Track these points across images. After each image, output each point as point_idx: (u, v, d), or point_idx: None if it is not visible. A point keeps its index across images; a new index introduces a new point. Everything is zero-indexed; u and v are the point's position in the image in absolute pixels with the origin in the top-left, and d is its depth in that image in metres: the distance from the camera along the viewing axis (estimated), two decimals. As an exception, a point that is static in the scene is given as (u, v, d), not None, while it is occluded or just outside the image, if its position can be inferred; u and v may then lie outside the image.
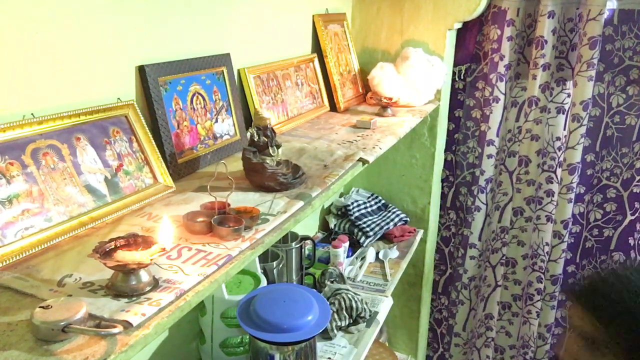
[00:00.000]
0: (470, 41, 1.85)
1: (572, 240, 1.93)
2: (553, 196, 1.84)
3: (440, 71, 1.69)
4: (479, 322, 2.14)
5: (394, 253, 1.80)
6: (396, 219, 1.90)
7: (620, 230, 1.85)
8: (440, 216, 2.11)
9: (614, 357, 0.76)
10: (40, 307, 0.52)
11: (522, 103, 1.85)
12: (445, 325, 2.26)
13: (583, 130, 1.76)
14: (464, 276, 2.11)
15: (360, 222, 1.79)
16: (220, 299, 1.08)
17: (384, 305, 1.51)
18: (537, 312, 1.99)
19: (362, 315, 1.37)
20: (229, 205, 0.77)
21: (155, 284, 0.59)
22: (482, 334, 2.15)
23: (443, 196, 2.08)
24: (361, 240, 1.77)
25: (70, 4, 0.78)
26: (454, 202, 2.07)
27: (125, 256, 0.59)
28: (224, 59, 1.09)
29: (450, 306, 2.19)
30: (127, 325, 0.52)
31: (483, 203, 1.99)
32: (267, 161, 0.87)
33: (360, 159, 1.07)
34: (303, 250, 1.40)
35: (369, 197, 1.96)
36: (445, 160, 2.02)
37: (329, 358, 1.27)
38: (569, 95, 1.77)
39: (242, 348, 1.12)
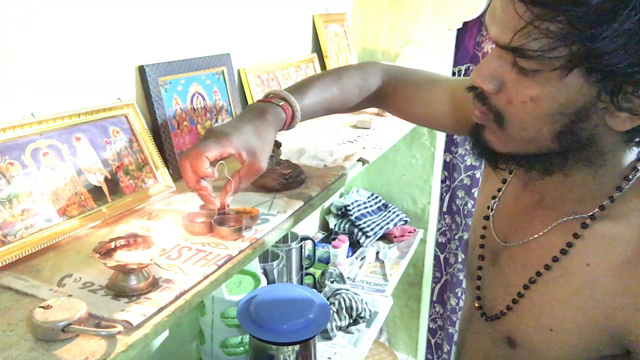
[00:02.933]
0: (470, 41, 1.85)
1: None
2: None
3: (440, 71, 1.69)
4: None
5: (394, 253, 1.80)
6: (396, 219, 1.90)
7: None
8: (437, 221, 2.10)
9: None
10: (40, 307, 0.52)
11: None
12: (440, 335, 2.24)
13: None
14: (465, 282, 2.11)
15: (360, 222, 1.80)
16: (220, 299, 1.08)
17: (384, 305, 1.51)
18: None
19: (362, 315, 1.37)
20: (228, 205, 0.77)
21: (155, 284, 0.59)
22: None
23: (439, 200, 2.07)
24: (361, 240, 1.77)
25: (70, 4, 0.78)
26: (450, 206, 2.06)
27: (125, 256, 0.59)
28: (224, 59, 1.09)
29: (450, 314, 2.18)
30: (127, 325, 0.52)
31: (483, 204, 1.98)
32: (267, 161, 0.87)
33: (360, 159, 1.06)
34: (303, 250, 1.40)
35: (369, 197, 1.96)
36: (444, 161, 2.02)
37: (329, 358, 1.27)
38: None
39: (242, 348, 1.12)
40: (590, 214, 0.65)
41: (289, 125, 0.80)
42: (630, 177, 0.63)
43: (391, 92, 0.93)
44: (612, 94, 0.53)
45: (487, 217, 0.81)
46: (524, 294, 0.71)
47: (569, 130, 0.58)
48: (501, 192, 0.81)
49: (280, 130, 0.79)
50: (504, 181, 0.82)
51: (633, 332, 0.60)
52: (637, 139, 0.60)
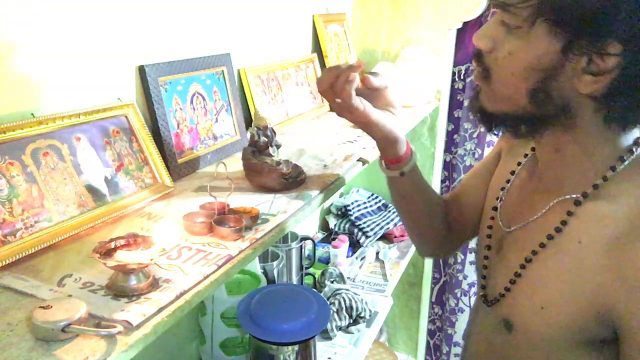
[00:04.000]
0: (470, 41, 1.84)
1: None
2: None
3: (440, 71, 1.69)
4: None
5: (394, 253, 1.80)
6: (396, 219, 1.90)
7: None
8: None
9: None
10: (40, 307, 0.52)
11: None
12: (439, 337, 2.24)
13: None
14: (464, 282, 2.10)
15: (360, 222, 1.80)
16: (220, 299, 1.08)
17: (384, 305, 1.51)
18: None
19: (362, 315, 1.37)
20: (228, 205, 0.77)
21: (155, 284, 0.59)
22: None
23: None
24: (361, 240, 1.77)
25: (70, 4, 0.78)
26: None
27: (125, 256, 0.59)
28: (224, 59, 1.09)
29: (449, 315, 2.17)
30: (127, 325, 0.52)
31: (483, 205, 1.98)
32: (267, 161, 0.87)
33: (360, 159, 1.07)
34: (303, 250, 1.40)
35: (369, 197, 1.96)
36: (444, 161, 2.01)
37: (329, 358, 1.27)
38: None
39: (242, 348, 1.12)
40: (584, 192, 0.68)
41: (407, 159, 0.86)
42: (625, 158, 0.66)
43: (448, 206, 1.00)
44: (573, 50, 0.60)
45: (495, 208, 0.84)
46: (521, 274, 0.73)
47: (541, 88, 0.64)
48: (509, 183, 0.84)
49: (392, 163, 0.87)
50: (513, 172, 0.85)
51: (618, 308, 0.62)
52: (613, 110, 0.63)
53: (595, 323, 0.65)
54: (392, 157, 0.86)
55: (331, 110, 1.52)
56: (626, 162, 0.66)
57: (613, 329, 0.64)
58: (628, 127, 0.65)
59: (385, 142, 0.83)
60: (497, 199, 0.85)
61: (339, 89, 0.75)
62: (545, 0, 0.59)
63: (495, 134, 0.76)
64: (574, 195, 0.69)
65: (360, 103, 0.76)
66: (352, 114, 0.78)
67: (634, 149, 0.66)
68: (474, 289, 2.09)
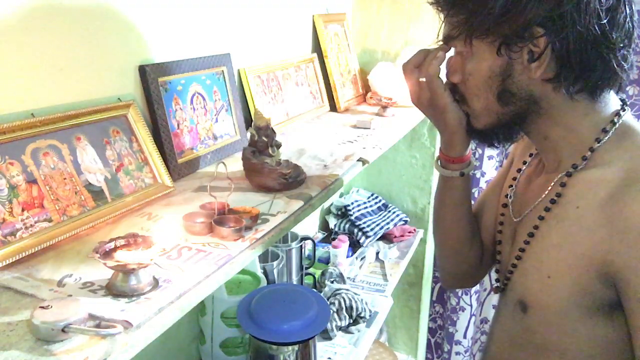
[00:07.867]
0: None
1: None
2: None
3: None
4: (476, 327, 2.13)
5: (394, 253, 1.80)
6: (396, 219, 1.90)
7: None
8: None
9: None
10: (40, 307, 0.52)
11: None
12: (440, 335, 2.24)
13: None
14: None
15: (360, 222, 1.79)
16: (220, 299, 1.08)
17: (384, 305, 1.51)
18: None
19: (362, 315, 1.37)
20: (228, 205, 0.77)
21: (155, 284, 0.59)
22: (477, 339, 2.14)
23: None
24: (361, 240, 1.77)
25: (70, 4, 0.78)
26: None
27: (125, 256, 0.59)
28: (224, 59, 1.09)
29: (450, 313, 2.17)
30: (127, 325, 0.52)
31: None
32: (267, 161, 0.87)
33: (360, 159, 1.07)
34: (303, 250, 1.40)
35: (369, 197, 1.96)
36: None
37: (329, 358, 1.27)
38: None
39: (242, 348, 1.12)
40: (574, 164, 0.73)
41: (469, 159, 0.89)
42: (608, 129, 0.71)
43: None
44: (511, 49, 0.69)
45: (505, 205, 0.87)
46: (526, 249, 0.77)
47: (504, 89, 0.73)
48: (516, 180, 0.88)
49: (453, 162, 0.88)
50: (519, 170, 0.89)
51: (614, 260, 0.65)
52: (567, 83, 0.69)
53: (599, 283, 0.68)
54: (457, 155, 0.87)
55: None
56: (610, 133, 0.71)
57: (615, 286, 0.66)
58: (595, 95, 0.71)
59: (454, 135, 0.84)
60: (507, 196, 0.88)
61: (427, 65, 0.82)
62: (469, 22, 0.71)
63: (497, 147, 0.83)
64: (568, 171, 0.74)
65: (443, 83, 0.81)
66: (433, 93, 0.81)
67: (615, 120, 0.72)
68: (475, 288, 2.09)
